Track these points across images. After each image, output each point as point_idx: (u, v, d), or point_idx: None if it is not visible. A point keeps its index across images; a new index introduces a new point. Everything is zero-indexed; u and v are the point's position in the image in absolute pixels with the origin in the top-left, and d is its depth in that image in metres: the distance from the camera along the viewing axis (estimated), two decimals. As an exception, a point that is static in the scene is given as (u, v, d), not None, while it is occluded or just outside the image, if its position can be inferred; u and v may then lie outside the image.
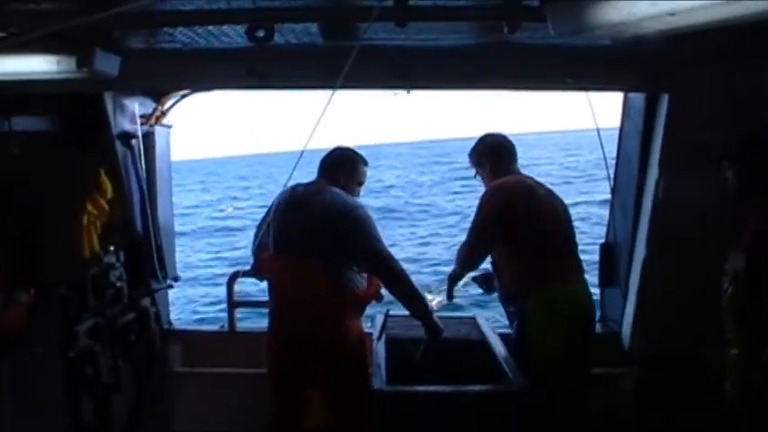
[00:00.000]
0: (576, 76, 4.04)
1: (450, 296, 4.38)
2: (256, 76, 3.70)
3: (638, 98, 4.28)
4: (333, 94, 2.97)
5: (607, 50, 3.69)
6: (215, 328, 5.19)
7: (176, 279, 4.97)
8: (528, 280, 4.04)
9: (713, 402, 3.64)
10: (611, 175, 4.79)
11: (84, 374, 3.86)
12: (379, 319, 4.43)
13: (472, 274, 4.45)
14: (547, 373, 3.86)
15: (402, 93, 4.13)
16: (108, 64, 3.34)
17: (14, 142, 4.00)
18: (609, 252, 4.90)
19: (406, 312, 3.98)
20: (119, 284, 4.25)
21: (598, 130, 4.61)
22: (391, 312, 4.33)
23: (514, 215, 4.01)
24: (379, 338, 4.00)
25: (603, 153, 4.64)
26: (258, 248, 4.26)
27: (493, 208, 4.08)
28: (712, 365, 3.74)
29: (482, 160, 4.35)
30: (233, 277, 4.94)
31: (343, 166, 4.14)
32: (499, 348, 4.05)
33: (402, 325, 4.30)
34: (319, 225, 3.83)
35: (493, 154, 4.33)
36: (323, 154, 4.19)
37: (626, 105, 4.48)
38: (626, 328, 4.76)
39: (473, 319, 4.62)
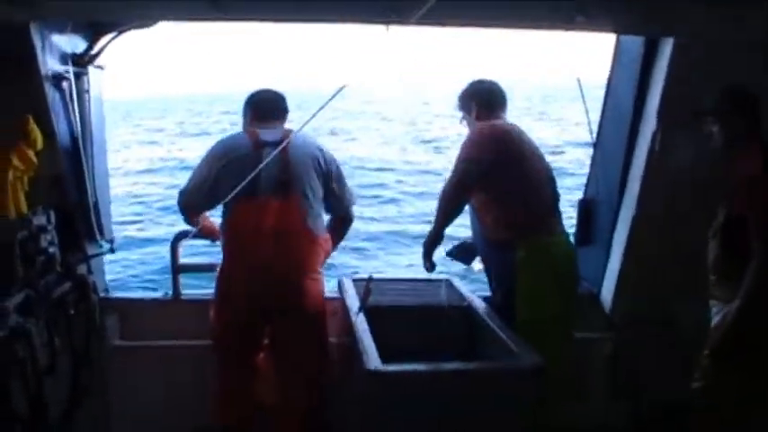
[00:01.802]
0: (566, 14, 3.66)
1: (430, 263, 3.99)
2: (220, 7, 3.12)
3: (634, 42, 3.95)
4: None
5: None
6: (157, 295, 4.62)
7: (112, 241, 4.39)
8: (515, 229, 3.88)
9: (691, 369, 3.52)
10: (593, 128, 4.47)
11: (15, 357, 3.28)
12: (349, 286, 4.02)
13: (447, 249, 4.19)
14: (535, 331, 3.55)
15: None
16: None
17: None
18: (588, 208, 4.60)
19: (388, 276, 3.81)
20: (51, 250, 3.66)
21: (579, 81, 4.26)
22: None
23: (501, 160, 3.87)
24: (360, 309, 3.55)
25: (584, 103, 4.30)
26: (195, 205, 4.00)
27: (480, 150, 3.91)
28: (696, 330, 3.60)
29: (470, 104, 4.17)
30: (177, 238, 4.43)
31: (286, 108, 4.12)
32: (488, 314, 3.72)
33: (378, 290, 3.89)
34: (302, 165, 3.85)
35: (482, 99, 4.16)
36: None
37: (618, 51, 4.16)
38: (606, 290, 4.52)
39: (448, 281, 4.25)
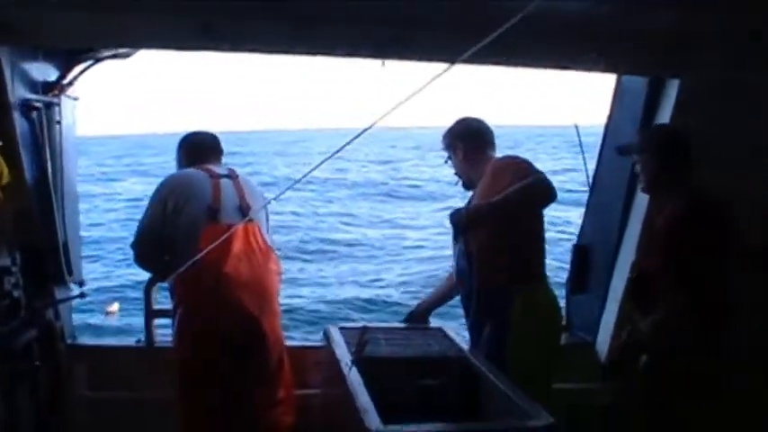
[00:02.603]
0: (572, 54, 3.55)
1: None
2: (213, 34, 2.91)
3: (636, 83, 3.83)
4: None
5: (611, 26, 3.23)
6: (130, 342, 4.32)
7: (82, 283, 4.09)
8: (513, 276, 3.65)
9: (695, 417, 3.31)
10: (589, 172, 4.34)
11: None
12: (337, 335, 3.76)
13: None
14: (527, 379, 3.33)
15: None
16: None
17: None
18: (583, 255, 4.43)
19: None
20: (15, 293, 3.36)
21: (576, 127, 4.15)
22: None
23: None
24: (353, 363, 3.30)
25: (581, 148, 4.16)
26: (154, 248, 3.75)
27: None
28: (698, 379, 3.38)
29: (457, 143, 3.94)
30: (151, 282, 4.12)
31: (222, 148, 4.10)
32: (486, 365, 3.49)
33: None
34: (255, 197, 3.86)
35: (470, 137, 3.93)
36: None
37: (619, 92, 4.03)
38: (602, 339, 4.34)
39: (440, 329, 4.03)
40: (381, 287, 14.76)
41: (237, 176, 3.88)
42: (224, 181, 3.80)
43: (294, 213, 22.55)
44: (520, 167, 3.64)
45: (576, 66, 3.66)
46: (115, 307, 3.96)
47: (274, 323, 3.78)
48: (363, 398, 2.98)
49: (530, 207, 3.65)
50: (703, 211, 3.24)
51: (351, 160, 38.87)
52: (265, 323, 3.69)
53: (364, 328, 3.51)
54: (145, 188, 21.42)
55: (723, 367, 3.34)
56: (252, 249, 3.71)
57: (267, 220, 4.00)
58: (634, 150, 3.48)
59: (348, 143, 2.11)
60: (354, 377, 3.19)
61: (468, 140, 3.91)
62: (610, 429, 4.22)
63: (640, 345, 3.35)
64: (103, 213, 23.18)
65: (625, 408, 3.64)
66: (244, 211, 3.75)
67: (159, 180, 3.86)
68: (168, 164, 4.39)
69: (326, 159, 2.29)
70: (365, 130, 2.04)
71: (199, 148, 3.99)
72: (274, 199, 3.09)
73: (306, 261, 16.64)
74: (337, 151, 2.16)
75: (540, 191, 3.55)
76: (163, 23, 2.89)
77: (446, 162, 4.03)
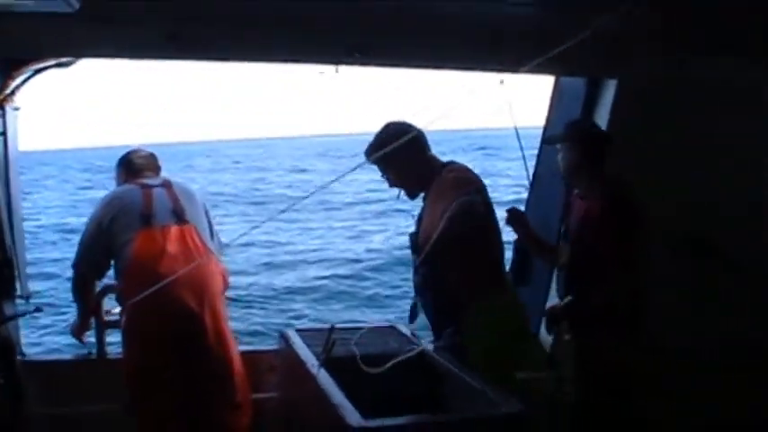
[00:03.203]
0: (509, 54, 3.68)
1: None
2: (177, 43, 2.92)
3: (576, 83, 4.02)
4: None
5: (553, 29, 3.39)
6: (80, 354, 4.23)
7: (28, 297, 4.00)
8: (467, 290, 3.71)
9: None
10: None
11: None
12: (295, 337, 3.81)
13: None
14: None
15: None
16: None
17: None
18: (525, 249, 4.59)
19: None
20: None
21: (516, 129, 4.05)
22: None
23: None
24: (322, 363, 3.35)
25: (522, 149, 4.28)
26: (94, 264, 3.88)
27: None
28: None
29: (389, 156, 3.39)
30: (101, 293, 4.07)
31: (159, 165, 4.23)
32: (446, 358, 3.62)
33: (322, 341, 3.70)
34: (190, 201, 3.97)
35: (404, 147, 3.36)
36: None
37: (557, 91, 4.20)
38: (545, 330, 4.49)
39: (394, 328, 4.13)
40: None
41: (171, 185, 4.02)
42: (156, 190, 3.94)
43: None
44: (459, 184, 3.61)
45: (517, 68, 3.78)
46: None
47: (218, 321, 3.81)
48: (338, 396, 3.05)
49: (462, 236, 3.53)
50: (631, 202, 3.57)
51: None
52: (207, 320, 3.74)
53: (332, 329, 3.55)
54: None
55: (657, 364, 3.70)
56: (189, 249, 3.79)
57: (210, 225, 4.08)
58: (557, 140, 3.74)
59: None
60: (324, 377, 3.26)
61: (403, 150, 3.37)
62: (556, 419, 4.41)
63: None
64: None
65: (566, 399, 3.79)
66: (178, 214, 3.87)
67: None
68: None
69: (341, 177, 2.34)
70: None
71: (133, 166, 4.12)
72: (283, 212, 3.05)
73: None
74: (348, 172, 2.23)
75: (463, 218, 3.50)
76: (129, 33, 2.87)
77: (382, 177, 3.85)
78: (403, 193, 3.85)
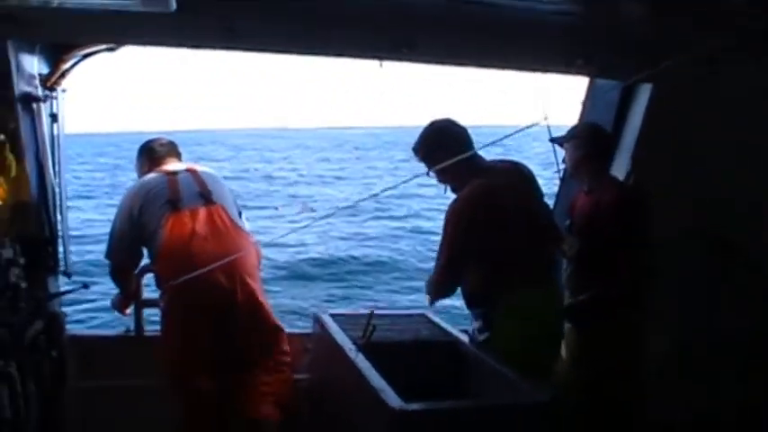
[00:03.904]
0: (546, 56, 3.78)
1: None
2: (235, 34, 3.01)
3: (610, 86, 4.09)
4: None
5: (586, 31, 3.48)
6: (119, 332, 4.36)
7: (70, 275, 4.11)
8: (495, 285, 3.73)
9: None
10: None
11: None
12: (329, 321, 3.92)
13: None
14: None
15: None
16: None
17: None
18: None
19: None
20: (23, 285, 3.39)
21: (548, 127, 4.14)
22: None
23: (481, 225, 3.66)
24: (361, 347, 3.46)
25: (554, 146, 4.39)
26: (126, 252, 3.99)
27: (461, 230, 3.70)
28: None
29: (436, 154, 3.69)
30: (141, 272, 4.19)
31: (179, 151, 4.34)
32: (473, 351, 3.72)
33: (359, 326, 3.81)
34: (217, 185, 4.06)
35: (448, 145, 3.70)
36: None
37: (591, 94, 4.28)
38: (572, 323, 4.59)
39: (424, 316, 4.24)
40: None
41: (196, 170, 4.12)
42: (182, 176, 4.04)
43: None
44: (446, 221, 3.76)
45: (556, 69, 3.88)
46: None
47: (252, 296, 3.86)
48: (377, 380, 3.16)
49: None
50: (642, 201, 3.80)
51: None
52: (240, 296, 3.80)
53: (371, 314, 3.66)
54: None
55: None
56: (218, 229, 3.87)
57: (236, 205, 4.15)
58: (564, 139, 3.95)
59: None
60: (362, 361, 3.37)
61: (447, 148, 3.65)
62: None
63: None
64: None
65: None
66: (205, 196, 3.95)
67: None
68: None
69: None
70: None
71: (155, 154, 4.22)
72: (365, 200, 3.15)
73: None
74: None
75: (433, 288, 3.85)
76: (190, 24, 2.95)
77: (427, 175, 3.84)
78: (448, 188, 3.89)
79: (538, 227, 3.87)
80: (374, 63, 3.57)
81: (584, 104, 4.38)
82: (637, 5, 2.97)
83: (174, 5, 2.28)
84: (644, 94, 3.93)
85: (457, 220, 3.73)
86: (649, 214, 3.75)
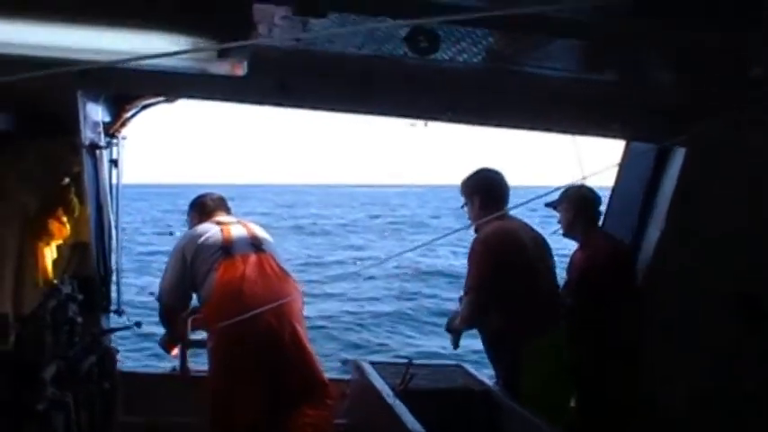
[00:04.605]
0: (584, 120, 3.94)
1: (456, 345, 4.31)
2: (286, 91, 3.22)
3: (646, 148, 4.22)
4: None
5: (622, 98, 3.63)
6: (165, 370, 4.52)
7: (121, 313, 4.30)
8: (520, 324, 3.96)
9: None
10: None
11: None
12: (369, 368, 4.04)
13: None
14: None
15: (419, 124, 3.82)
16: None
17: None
18: None
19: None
20: (78, 320, 3.57)
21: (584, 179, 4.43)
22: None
23: (503, 265, 4.00)
24: (399, 393, 3.58)
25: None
26: (178, 295, 4.17)
27: (488, 260, 4.03)
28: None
29: (473, 194, 4.27)
30: (189, 314, 4.35)
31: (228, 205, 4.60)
32: (510, 398, 3.81)
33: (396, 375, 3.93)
34: (265, 237, 4.27)
35: (486, 190, 4.25)
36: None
37: (627, 156, 4.41)
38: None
39: (460, 366, 4.35)
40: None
41: (246, 222, 4.38)
42: (233, 225, 4.27)
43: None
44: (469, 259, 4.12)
45: (594, 133, 4.04)
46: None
47: (298, 339, 3.99)
48: (413, 423, 3.27)
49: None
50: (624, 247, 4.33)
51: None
52: (287, 338, 3.93)
53: (409, 363, 3.79)
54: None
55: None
56: (267, 274, 4.04)
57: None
58: (557, 203, 4.39)
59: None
60: (399, 406, 3.48)
61: (485, 192, 4.22)
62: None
63: None
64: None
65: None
66: (255, 244, 4.17)
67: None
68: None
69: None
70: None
71: (205, 207, 4.45)
72: (421, 246, 3.38)
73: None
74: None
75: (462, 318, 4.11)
76: (242, 79, 3.15)
77: (462, 208, 4.35)
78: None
79: (552, 271, 4.25)
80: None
81: (621, 166, 4.49)
82: (666, 73, 3.11)
83: (246, 69, 2.44)
84: (678, 156, 4.03)
85: (483, 251, 4.05)
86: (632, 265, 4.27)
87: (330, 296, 16.92)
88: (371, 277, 19.02)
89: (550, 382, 3.97)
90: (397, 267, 20.54)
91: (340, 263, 23.11)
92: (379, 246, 29.27)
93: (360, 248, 29.47)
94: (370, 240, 32.34)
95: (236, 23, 2.06)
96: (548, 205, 4.39)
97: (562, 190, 4.35)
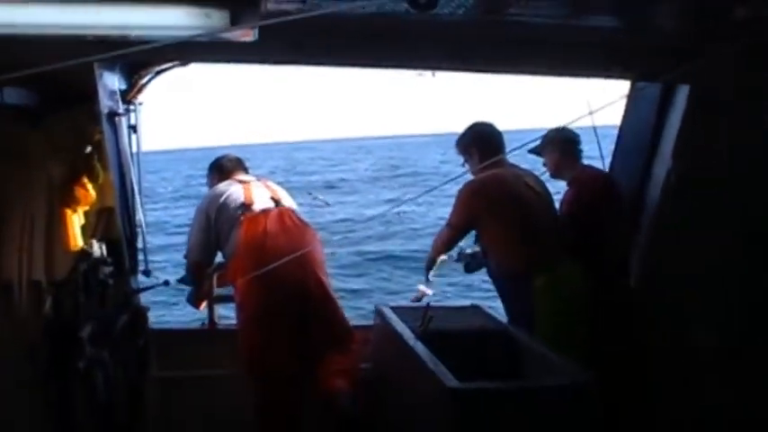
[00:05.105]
0: (587, 63, 4.00)
1: (427, 279, 4.64)
2: (297, 50, 3.31)
3: (650, 87, 4.28)
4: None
5: (624, 37, 3.69)
6: (194, 326, 4.71)
7: (148, 273, 4.47)
8: (525, 263, 4.19)
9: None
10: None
11: (94, 387, 3.34)
12: (390, 313, 4.19)
13: (456, 251, 4.62)
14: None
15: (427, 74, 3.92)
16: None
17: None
18: None
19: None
20: (110, 281, 3.75)
21: (595, 128, 4.55)
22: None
23: (496, 207, 4.26)
24: (419, 335, 3.73)
25: (599, 147, 4.69)
26: (205, 252, 4.35)
27: (472, 207, 4.33)
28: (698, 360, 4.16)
29: (470, 149, 4.47)
30: (216, 269, 4.52)
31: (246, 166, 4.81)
32: (524, 337, 3.95)
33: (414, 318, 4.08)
34: (285, 194, 4.52)
35: (482, 143, 4.45)
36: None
37: (633, 95, 4.47)
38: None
39: (477, 307, 4.49)
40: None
41: (265, 181, 4.63)
42: (253, 183, 4.50)
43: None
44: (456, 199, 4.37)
45: (597, 75, 4.10)
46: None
47: (322, 287, 4.21)
48: (434, 363, 3.41)
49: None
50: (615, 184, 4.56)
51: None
52: (312, 288, 4.14)
53: (428, 306, 3.94)
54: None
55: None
56: (288, 227, 4.24)
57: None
58: (540, 149, 4.66)
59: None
60: (420, 348, 3.64)
61: (481, 145, 4.42)
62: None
63: None
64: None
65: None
66: (275, 200, 4.39)
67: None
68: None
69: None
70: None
71: (225, 168, 4.65)
72: (418, 196, 3.56)
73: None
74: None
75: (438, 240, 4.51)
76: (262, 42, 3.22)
77: (462, 165, 4.52)
78: None
79: (550, 211, 4.47)
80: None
81: (627, 105, 4.57)
82: (667, 12, 3.17)
83: (257, 35, 2.52)
84: (682, 93, 4.10)
85: (469, 206, 4.32)
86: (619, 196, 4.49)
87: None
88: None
89: (561, 317, 4.13)
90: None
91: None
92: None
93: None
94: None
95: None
96: (531, 152, 4.63)
97: (543, 135, 4.63)
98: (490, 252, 4.41)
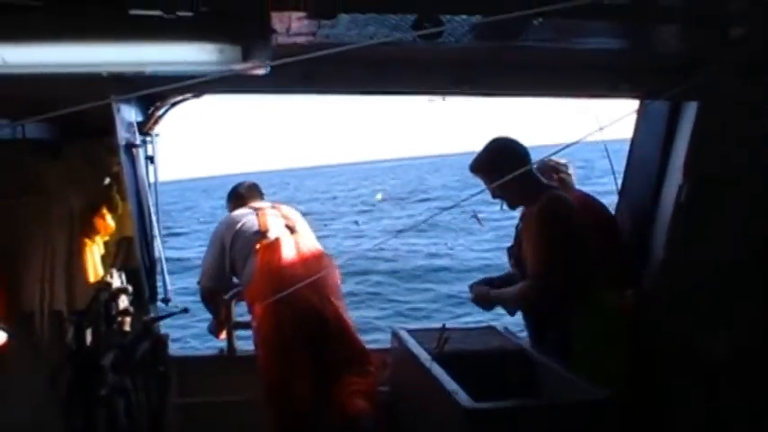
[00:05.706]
0: (593, 84, 4.05)
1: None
2: (308, 80, 3.39)
3: (661, 104, 4.32)
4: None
5: (633, 57, 3.74)
6: (213, 352, 4.76)
7: (168, 301, 4.53)
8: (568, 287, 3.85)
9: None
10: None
11: (116, 414, 3.39)
12: (406, 336, 4.22)
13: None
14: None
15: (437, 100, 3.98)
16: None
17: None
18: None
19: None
20: (131, 310, 3.80)
21: (606, 145, 4.51)
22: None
23: (570, 237, 3.80)
24: (434, 357, 3.76)
25: (611, 162, 4.71)
26: (218, 279, 4.42)
27: (563, 250, 3.77)
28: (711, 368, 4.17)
29: (493, 172, 3.79)
30: (232, 297, 4.58)
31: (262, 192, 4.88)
32: (541, 357, 3.96)
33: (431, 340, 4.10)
34: (299, 220, 4.58)
35: (507, 163, 3.75)
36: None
37: (643, 111, 4.52)
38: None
39: (492, 328, 4.51)
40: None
41: (279, 206, 4.68)
42: (268, 210, 4.55)
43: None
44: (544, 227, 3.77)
45: (608, 94, 4.15)
46: None
47: (338, 312, 4.27)
48: (450, 383, 3.44)
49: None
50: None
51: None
52: (328, 311, 4.20)
53: (444, 328, 3.97)
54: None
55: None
56: (303, 253, 4.35)
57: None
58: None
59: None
60: (436, 369, 3.66)
61: (506, 166, 3.68)
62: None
63: None
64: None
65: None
66: (290, 227, 4.46)
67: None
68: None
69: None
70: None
71: (241, 195, 4.75)
72: (430, 217, 3.56)
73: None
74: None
75: (528, 303, 3.96)
76: (273, 74, 3.29)
77: (486, 188, 3.90)
78: (505, 204, 4.00)
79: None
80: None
81: (637, 121, 4.63)
82: (669, 31, 3.22)
83: (268, 68, 2.57)
84: (691, 107, 4.14)
85: (557, 224, 3.76)
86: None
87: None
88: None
89: (599, 341, 3.92)
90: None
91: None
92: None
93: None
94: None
95: (257, 29, 2.23)
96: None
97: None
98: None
